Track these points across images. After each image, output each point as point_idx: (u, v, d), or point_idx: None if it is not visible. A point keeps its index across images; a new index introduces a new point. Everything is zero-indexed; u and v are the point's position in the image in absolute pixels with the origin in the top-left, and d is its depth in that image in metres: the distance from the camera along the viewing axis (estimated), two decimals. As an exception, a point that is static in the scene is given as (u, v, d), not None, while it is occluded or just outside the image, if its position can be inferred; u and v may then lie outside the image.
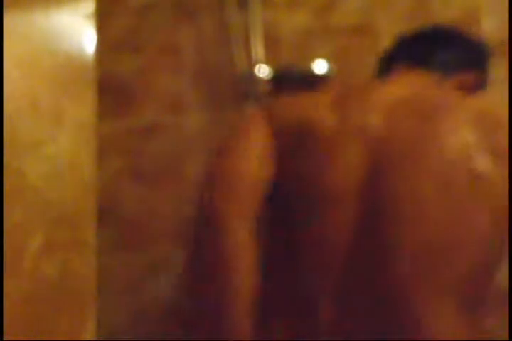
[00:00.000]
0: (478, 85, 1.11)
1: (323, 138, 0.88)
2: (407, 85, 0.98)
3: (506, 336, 1.26)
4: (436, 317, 0.79)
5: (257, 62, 1.50)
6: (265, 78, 1.48)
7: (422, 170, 0.83)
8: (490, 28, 1.48)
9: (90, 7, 0.63)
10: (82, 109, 0.62)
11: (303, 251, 0.85)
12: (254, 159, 0.88)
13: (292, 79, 1.50)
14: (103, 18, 1.67)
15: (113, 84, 1.64)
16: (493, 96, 0.92)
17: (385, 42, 1.52)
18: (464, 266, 0.81)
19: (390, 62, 1.10)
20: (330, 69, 1.49)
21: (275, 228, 0.90)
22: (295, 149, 0.89)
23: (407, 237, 0.80)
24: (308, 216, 0.86)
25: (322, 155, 0.87)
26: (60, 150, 0.57)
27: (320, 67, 1.49)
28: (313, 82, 1.49)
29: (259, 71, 1.48)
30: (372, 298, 0.81)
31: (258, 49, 1.53)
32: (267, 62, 1.51)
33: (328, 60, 1.50)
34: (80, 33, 0.62)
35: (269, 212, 0.89)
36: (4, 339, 0.45)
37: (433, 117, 0.87)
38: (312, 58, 1.51)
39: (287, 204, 0.89)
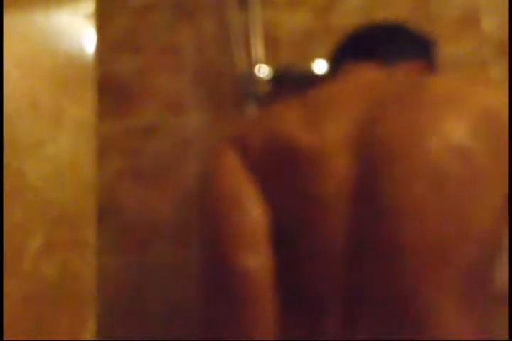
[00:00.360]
0: (427, 72, 1.11)
1: (305, 155, 0.87)
2: (371, 82, 0.97)
3: (506, 336, 1.26)
4: (441, 317, 0.79)
5: (257, 62, 1.50)
6: (265, 78, 1.48)
7: (416, 170, 0.82)
8: (490, 28, 1.48)
9: (90, 7, 0.63)
10: (82, 109, 0.62)
11: (304, 259, 0.85)
12: (242, 198, 0.88)
13: (292, 79, 1.50)
14: (103, 18, 1.67)
15: (113, 84, 1.64)
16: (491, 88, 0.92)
17: (385, 42, 1.53)
18: (464, 264, 0.81)
19: (339, 61, 1.10)
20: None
21: (276, 242, 0.90)
22: (278, 172, 0.88)
23: (406, 237, 0.80)
24: (304, 227, 0.86)
25: (308, 170, 0.86)
26: (60, 150, 0.57)
27: (320, 67, 1.49)
28: (313, 82, 1.49)
29: (259, 71, 1.48)
30: (376, 299, 0.81)
31: (258, 49, 1.53)
32: (267, 62, 1.51)
33: (328, 60, 1.50)
34: (79, 33, 0.62)
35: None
36: (4, 339, 0.45)
37: (421, 112, 0.86)
38: (312, 58, 1.51)
39: (282, 220, 0.88)
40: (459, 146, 0.82)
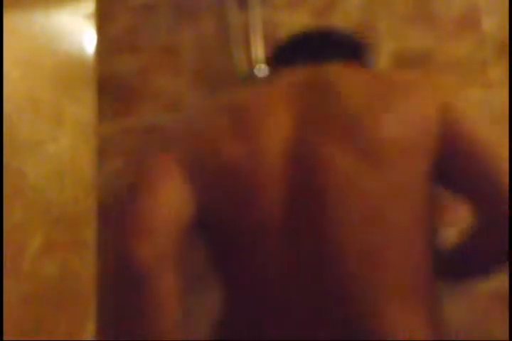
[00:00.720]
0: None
1: (236, 166, 0.87)
2: (304, 85, 0.96)
3: (506, 336, 1.26)
4: (388, 318, 0.80)
5: (257, 62, 1.50)
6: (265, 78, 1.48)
7: (346, 180, 0.83)
8: (490, 28, 1.48)
9: (90, 7, 0.63)
10: (82, 109, 0.62)
11: (248, 274, 0.86)
12: (168, 201, 0.87)
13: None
14: (103, 18, 1.67)
15: (113, 84, 1.64)
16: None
17: (385, 42, 1.52)
18: (403, 266, 0.82)
19: (276, 65, 1.09)
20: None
21: (216, 254, 0.91)
22: (212, 184, 0.88)
23: (345, 243, 0.82)
24: (241, 243, 0.87)
25: (240, 182, 0.87)
26: (60, 150, 0.57)
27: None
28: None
29: (259, 71, 1.48)
30: (323, 302, 0.82)
31: (258, 49, 1.53)
32: (267, 62, 1.51)
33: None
34: (80, 33, 0.62)
35: (206, 241, 0.91)
36: (4, 339, 0.45)
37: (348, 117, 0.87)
38: (312, 58, 1.51)
39: (219, 234, 0.89)
40: (382, 154, 0.84)
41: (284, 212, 0.85)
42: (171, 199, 0.87)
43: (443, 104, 0.88)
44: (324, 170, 0.84)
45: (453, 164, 0.86)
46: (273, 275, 0.84)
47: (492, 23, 1.48)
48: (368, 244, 0.82)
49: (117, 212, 0.90)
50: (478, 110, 0.90)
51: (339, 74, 0.94)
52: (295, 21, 1.58)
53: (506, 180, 0.82)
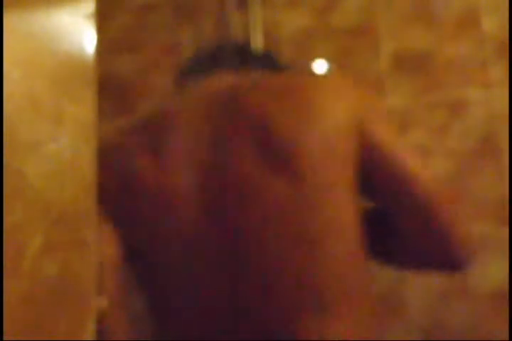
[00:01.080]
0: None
1: (150, 188, 0.87)
2: (216, 96, 0.95)
3: (506, 336, 1.26)
4: (319, 322, 0.80)
5: (257, 62, 1.50)
6: (265, 78, 1.48)
7: (263, 193, 0.83)
8: (490, 28, 1.48)
9: (90, 7, 0.63)
10: (82, 108, 0.62)
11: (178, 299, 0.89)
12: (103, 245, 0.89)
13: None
14: (103, 18, 1.68)
15: (113, 84, 1.64)
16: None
17: (385, 42, 1.53)
18: (333, 274, 0.82)
19: (187, 76, 1.09)
20: (330, 69, 1.49)
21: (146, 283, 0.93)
22: (132, 215, 0.90)
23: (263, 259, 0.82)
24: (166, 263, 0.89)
25: (155, 207, 0.87)
26: (60, 150, 0.58)
27: (320, 67, 1.49)
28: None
29: (259, 71, 1.48)
30: (256, 311, 0.83)
31: (258, 49, 1.53)
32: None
33: (328, 60, 1.50)
34: (80, 33, 0.62)
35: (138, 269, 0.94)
36: (4, 339, 0.45)
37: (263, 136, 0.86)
38: (312, 58, 1.51)
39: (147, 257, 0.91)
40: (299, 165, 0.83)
41: (205, 233, 0.85)
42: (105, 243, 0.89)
43: (360, 114, 0.87)
44: (239, 185, 0.84)
45: (372, 177, 0.86)
46: (197, 294, 0.86)
47: (492, 23, 1.48)
48: (288, 254, 0.81)
49: None
50: (389, 120, 0.90)
51: (254, 84, 0.93)
52: (295, 21, 1.58)
53: (429, 200, 0.83)
